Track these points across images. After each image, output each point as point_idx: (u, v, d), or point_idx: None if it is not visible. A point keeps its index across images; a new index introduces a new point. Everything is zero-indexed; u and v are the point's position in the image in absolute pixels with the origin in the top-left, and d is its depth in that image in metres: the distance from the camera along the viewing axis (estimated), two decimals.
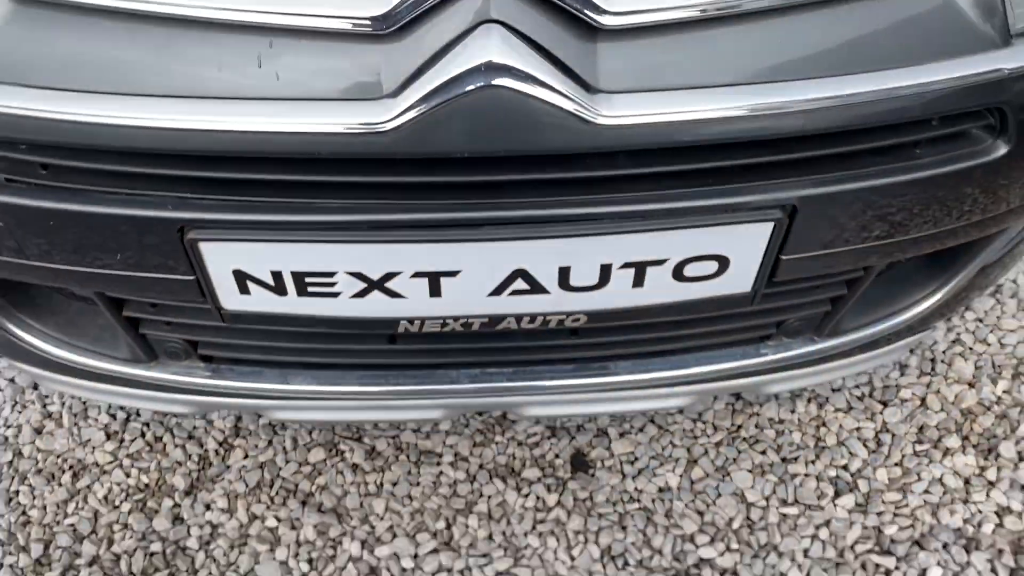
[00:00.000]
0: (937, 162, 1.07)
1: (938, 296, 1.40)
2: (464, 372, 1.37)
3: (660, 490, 1.74)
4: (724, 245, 1.09)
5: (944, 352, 1.94)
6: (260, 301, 1.13)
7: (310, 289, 1.10)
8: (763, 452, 1.79)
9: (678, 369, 1.38)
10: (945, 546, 1.67)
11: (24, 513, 1.72)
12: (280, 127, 0.93)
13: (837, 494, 1.73)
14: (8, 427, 1.83)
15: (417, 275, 1.08)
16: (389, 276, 1.08)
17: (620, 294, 1.14)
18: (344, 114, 0.92)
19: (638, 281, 1.12)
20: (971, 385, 1.88)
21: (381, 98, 0.92)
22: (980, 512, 1.71)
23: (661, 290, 1.14)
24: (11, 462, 1.78)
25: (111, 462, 1.77)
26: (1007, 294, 2.03)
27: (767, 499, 1.73)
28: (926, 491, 1.73)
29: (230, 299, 1.13)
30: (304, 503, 1.72)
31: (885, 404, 1.85)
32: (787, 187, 1.04)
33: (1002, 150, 1.07)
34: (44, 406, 1.86)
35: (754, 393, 1.53)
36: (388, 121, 0.91)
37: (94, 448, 1.79)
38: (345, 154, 0.95)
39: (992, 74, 0.99)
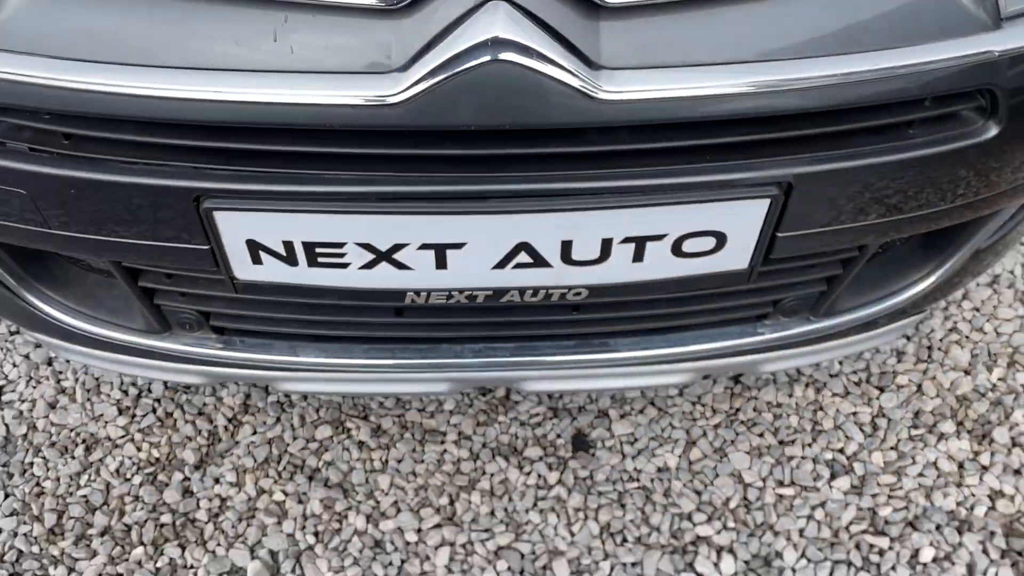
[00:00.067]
0: (930, 142, 1.10)
1: (932, 279, 1.43)
2: (468, 347, 1.41)
3: (659, 470, 1.77)
4: (722, 221, 1.12)
5: (941, 340, 1.97)
6: (272, 271, 1.17)
7: (320, 260, 1.14)
8: (761, 435, 1.82)
9: (677, 346, 1.42)
10: (938, 527, 1.70)
11: (38, 484, 1.76)
12: (294, 99, 0.96)
13: (833, 476, 1.77)
14: (23, 401, 1.87)
15: (424, 247, 1.12)
16: (397, 247, 1.12)
17: (621, 269, 1.18)
18: (355, 87, 0.96)
19: (638, 256, 1.16)
20: (967, 372, 1.92)
21: (391, 72, 0.96)
22: (973, 495, 1.74)
23: (660, 265, 1.18)
24: (26, 435, 1.83)
25: (123, 436, 1.82)
26: (1004, 284, 2.06)
27: (764, 480, 1.76)
28: (920, 474, 1.77)
29: (243, 269, 1.17)
30: (311, 478, 1.76)
31: (882, 389, 1.89)
32: (783, 164, 1.07)
33: (993, 131, 1.10)
34: (58, 381, 1.90)
35: (751, 371, 1.56)
36: (397, 94, 0.95)
37: (106, 423, 1.84)
38: (356, 126, 0.98)
39: (983, 55, 1.02)
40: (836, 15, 1.01)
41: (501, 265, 1.15)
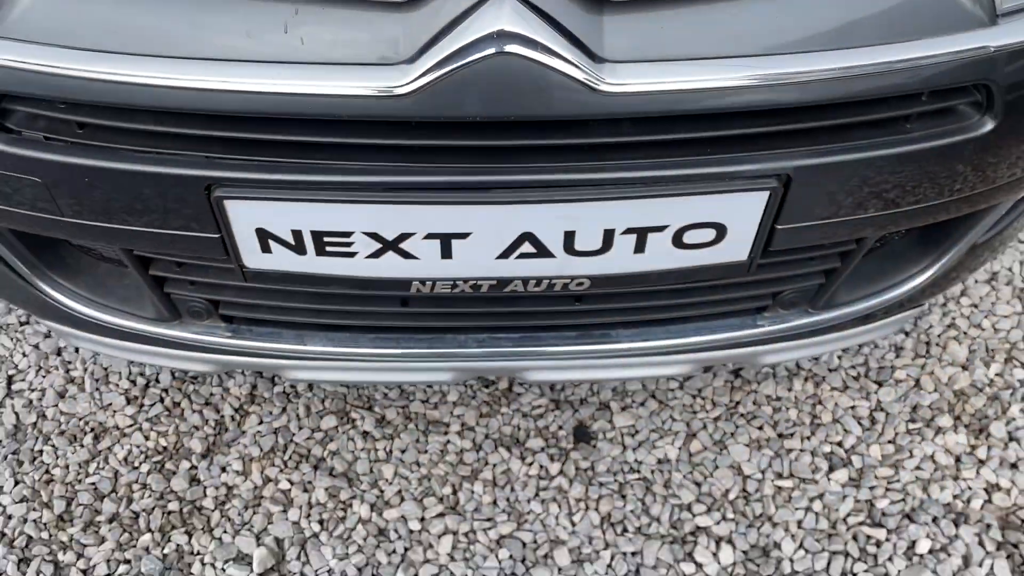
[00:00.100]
0: (926, 136, 1.12)
1: (929, 273, 1.45)
2: (472, 337, 1.43)
3: (659, 461, 1.80)
4: (722, 213, 1.15)
5: (939, 336, 1.99)
6: (280, 260, 1.19)
7: (328, 248, 1.16)
8: (760, 427, 1.84)
9: (677, 338, 1.44)
10: (934, 520, 1.72)
11: (48, 472, 1.79)
12: (304, 89, 0.98)
13: (831, 469, 1.79)
14: (33, 390, 1.90)
15: (430, 236, 1.14)
16: (403, 237, 1.14)
17: (622, 259, 1.20)
18: (364, 78, 0.98)
19: (639, 247, 1.18)
20: (964, 368, 1.94)
21: (399, 63, 0.98)
22: (970, 488, 1.76)
23: (661, 256, 1.20)
24: (35, 423, 1.85)
25: (131, 425, 1.84)
26: (1002, 281, 2.08)
27: (763, 472, 1.78)
28: (918, 467, 1.79)
29: (252, 258, 1.19)
30: (316, 467, 1.78)
31: (880, 384, 1.91)
32: (782, 157, 1.09)
33: (988, 126, 1.12)
34: (67, 371, 1.92)
35: (751, 363, 1.58)
36: (405, 85, 0.97)
37: (115, 412, 1.86)
38: (364, 116, 1.01)
39: (978, 51, 1.05)
40: (835, 10, 1.03)
41: (505, 255, 1.18)
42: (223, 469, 1.78)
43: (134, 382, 1.90)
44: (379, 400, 1.87)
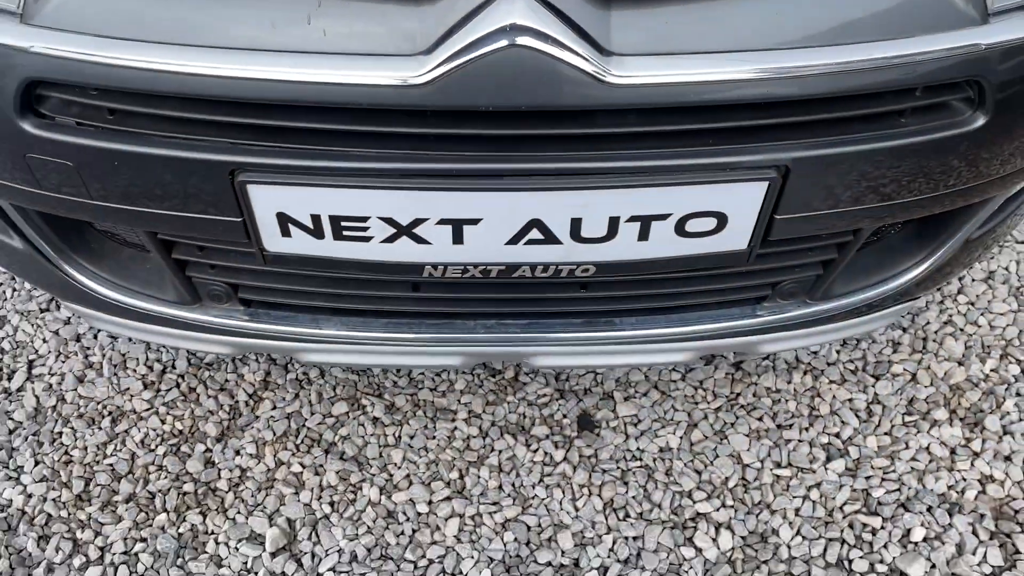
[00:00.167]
0: (920, 130, 1.17)
1: (924, 266, 1.49)
2: (481, 323, 1.48)
3: (661, 450, 1.84)
4: (723, 202, 1.19)
5: (936, 332, 2.04)
6: (299, 244, 1.24)
7: (345, 233, 1.21)
8: (760, 418, 1.89)
9: (679, 326, 1.49)
10: (929, 509, 1.76)
11: (67, 453, 1.84)
12: (326, 78, 1.04)
13: (828, 459, 1.83)
14: (53, 375, 1.95)
15: (442, 222, 1.19)
16: (417, 222, 1.19)
17: (627, 247, 1.25)
18: (382, 68, 1.03)
19: (643, 235, 1.23)
20: (960, 363, 1.98)
21: (416, 55, 1.03)
22: (964, 479, 1.81)
23: (664, 244, 1.25)
24: (55, 406, 1.91)
25: (148, 409, 1.90)
26: (999, 280, 2.13)
27: (762, 461, 1.83)
28: (913, 458, 1.83)
29: (272, 241, 1.24)
30: (327, 451, 1.83)
31: (877, 378, 1.95)
32: (782, 149, 1.14)
33: (980, 121, 1.17)
34: (86, 356, 1.98)
35: (750, 352, 1.63)
36: (421, 75, 1.02)
37: (132, 396, 1.91)
38: (382, 105, 1.06)
39: (970, 48, 1.09)
40: (834, 8, 1.08)
41: (514, 241, 1.22)
42: (237, 452, 1.83)
43: (151, 368, 1.96)
44: (388, 387, 1.92)
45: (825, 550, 1.71)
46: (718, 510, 1.76)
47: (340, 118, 1.10)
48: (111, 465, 1.82)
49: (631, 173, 1.14)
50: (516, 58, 1.01)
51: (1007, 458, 1.84)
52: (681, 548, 1.71)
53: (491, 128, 1.10)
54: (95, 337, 2.01)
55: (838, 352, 1.99)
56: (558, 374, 1.95)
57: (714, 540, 1.72)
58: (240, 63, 1.03)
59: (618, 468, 1.81)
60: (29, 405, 1.91)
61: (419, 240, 1.22)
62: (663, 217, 1.20)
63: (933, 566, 1.69)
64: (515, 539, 1.72)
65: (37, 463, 1.83)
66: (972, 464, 1.83)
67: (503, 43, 1.00)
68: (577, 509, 1.77)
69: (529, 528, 1.74)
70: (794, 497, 1.78)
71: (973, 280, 2.13)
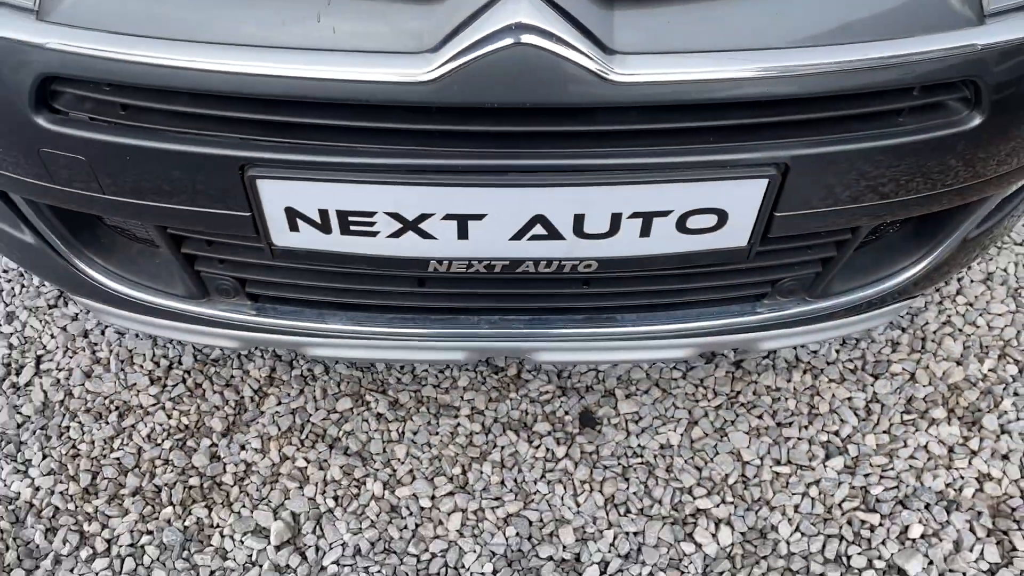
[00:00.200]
0: (918, 129, 1.19)
1: (922, 265, 1.52)
2: (484, 318, 1.50)
3: (662, 447, 1.86)
4: (723, 199, 1.21)
5: (935, 332, 2.06)
6: (307, 238, 1.26)
7: (352, 227, 1.24)
8: (760, 416, 1.91)
9: (680, 323, 1.51)
10: (927, 506, 1.78)
11: (74, 447, 1.86)
12: (334, 75, 1.06)
13: (827, 456, 1.85)
14: (60, 370, 1.98)
15: (447, 217, 1.21)
16: (423, 217, 1.21)
17: (629, 243, 1.27)
18: (390, 65, 1.05)
19: (645, 231, 1.25)
20: (959, 363, 2.00)
21: (423, 52, 1.05)
22: (962, 478, 1.82)
23: (666, 240, 1.27)
24: (62, 401, 1.93)
25: (154, 404, 1.92)
26: (997, 282, 2.15)
27: (762, 458, 1.85)
28: (911, 456, 1.85)
29: (280, 236, 1.26)
30: (331, 446, 1.85)
31: (876, 377, 1.97)
32: (781, 147, 1.16)
33: (976, 121, 1.19)
34: (93, 352, 2.00)
35: (750, 348, 1.65)
36: (428, 72, 1.05)
37: (139, 391, 1.94)
38: (390, 101, 1.08)
39: (966, 48, 1.11)
40: (833, 9, 1.10)
41: (518, 236, 1.25)
42: (242, 447, 1.85)
43: (157, 364, 1.98)
44: (392, 384, 1.95)
45: (824, 546, 1.73)
46: (718, 506, 1.78)
47: (349, 114, 1.12)
48: (118, 459, 1.84)
49: (633, 170, 1.16)
50: (521, 56, 1.03)
51: (1005, 457, 1.85)
52: (681, 543, 1.73)
53: (496, 125, 1.12)
54: (102, 333, 2.03)
55: (837, 351, 2.01)
56: (560, 372, 1.97)
57: (714, 536, 1.74)
58: (252, 60, 1.06)
59: (619, 464, 1.83)
60: (37, 400, 1.93)
61: (425, 235, 1.24)
62: (664, 214, 1.22)
63: (931, 562, 1.71)
64: (517, 534, 1.74)
65: (45, 457, 1.85)
66: (970, 462, 1.85)
67: (508, 41, 1.02)
68: (578, 505, 1.79)
69: (531, 523, 1.76)
70: (793, 494, 1.80)
71: (972, 281, 2.15)
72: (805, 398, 1.94)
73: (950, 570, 1.70)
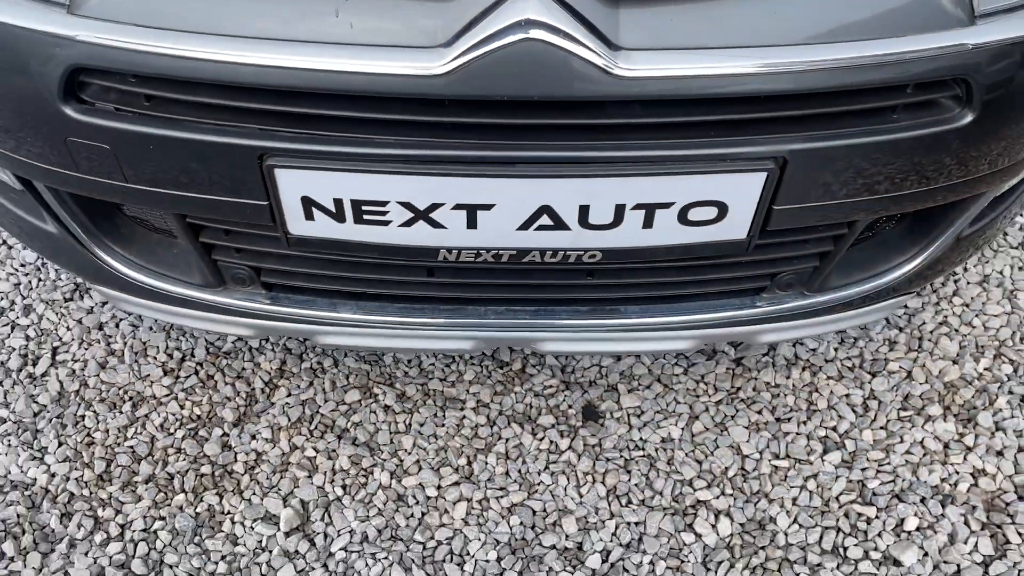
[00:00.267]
0: (911, 126, 1.23)
1: (917, 261, 1.56)
2: (492, 308, 1.55)
3: (663, 440, 1.90)
4: (723, 192, 1.26)
5: (932, 332, 2.10)
6: (321, 227, 1.31)
7: (365, 217, 1.28)
8: (759, 412, 1.95)
9: (681, 315, 1.56)
10: (923, 500, 1.82)
11: (89, 435, 1.91)
12: (351, 68, 1.11)
13: (825, 451, 1.89)
14: (76, 361, 2.02)
15: (457, 207, 1.26)
16: (434, 207, 1.26)
17: (632, 234, 1.31)
18: (405, 59, 1.10)
19: (648, 222, 1.30)
20: (955, 362, 2.04)
21: (436, 47, 1.10)
22: (957, 473, 1.86)
23: (668, 232, 1.31)
24: (78, 391, 1.97)
25: (167, 395, 1.96)
26: (993, 283, 2.19)
27: (761, 452, 1.89)
28: (908, 452, 1.89)
29: (296, 224, 1.31)
30: (340, 437, 1.90)
31: (874, 375, 2.01)
32: (779, 141, 1.21)
33: (968, 118, 1.23)
34: (108, 344, 2.05)
35: (749, 341, 1.69)
36: (441, 66, 1.09)
37: (152, 382, 1.98)
38: (404, 94, 1.13)
39: (957, 47, 1.16)
40: (830, 8, 1.15)
41: (525, 227, 1.29)
42: (253, 437, 1.90)
43: (171, 355, 2.03)
44: (400, 377, 1.99)
45: (821, 537, 1.77)
46: (718, 498, 1.82)
47: (364, 106, 1.17)
48: (132, 447, 1.88)
49: (637, 162, 1.21)
50: (530, 51, 1.08)
51: (999, 453, 1.89)
52: (681, 534, 1.77)
53: (505, 117, 1.17)
54: (117, 326, 2.08)
55: (836, 349, 2.05)
56: (564, 366, 2.02)
57: (713, 526, 1.78)
58: (272, 53, 1.11)
59: (621, 457, 1.88)
60: (53, 389, 1.97)
61: (435, 224, 1.29)
62: (667, 205, 1.27)
63: (925, 554, 1.75)
64: (521, 523, 1.78)
65: (60, 444, 1.89)
66: (965, 458, 1.88)
67: (518, 37, 1.07)
68: (581, 495, 1.83)
69: (535, 513, 1.80)
70: (792, 487, 1.84)
71: (968, 283, 2.19)
72: (804, 394, 1.98)
73: (944, 561, 1.74)
